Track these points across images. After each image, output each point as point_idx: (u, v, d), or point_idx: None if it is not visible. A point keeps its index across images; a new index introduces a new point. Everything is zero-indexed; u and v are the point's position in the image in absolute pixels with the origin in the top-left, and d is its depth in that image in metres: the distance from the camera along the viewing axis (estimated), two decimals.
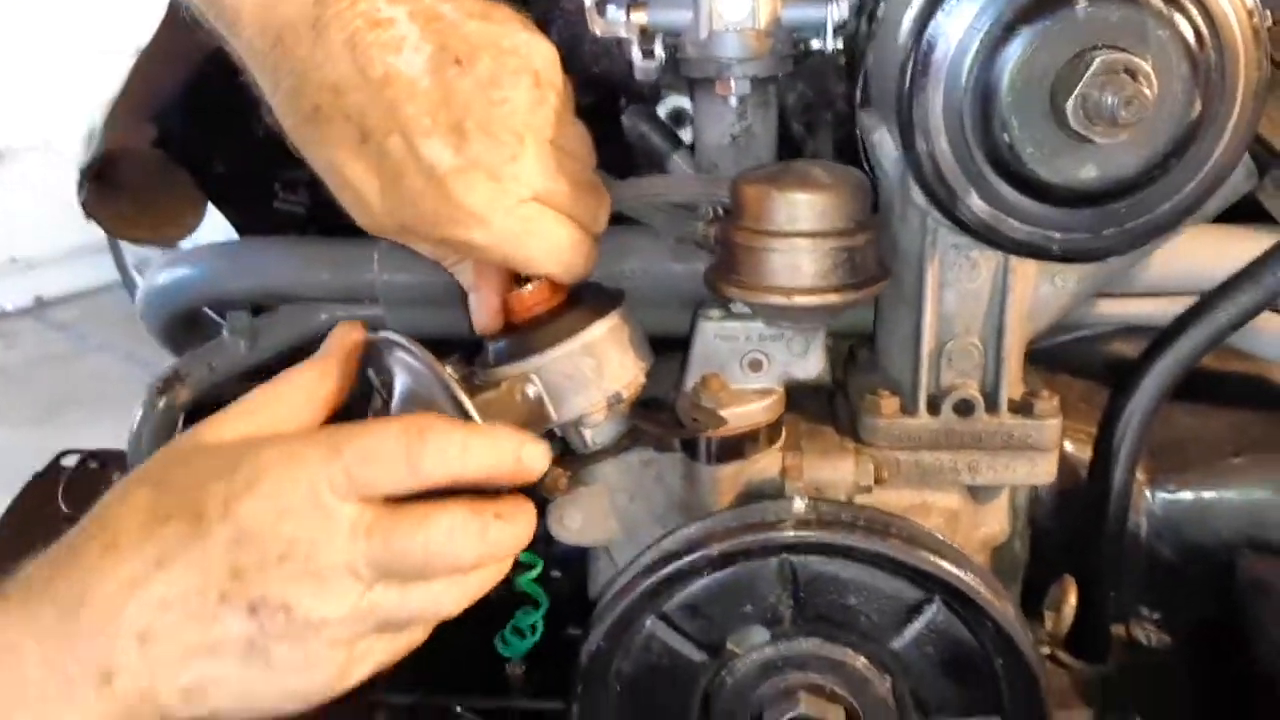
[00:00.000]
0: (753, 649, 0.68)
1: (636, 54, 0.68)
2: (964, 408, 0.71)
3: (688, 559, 0.64)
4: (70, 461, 0.89)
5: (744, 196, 0.66)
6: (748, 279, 0.66)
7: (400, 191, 0.60)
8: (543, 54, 0.62)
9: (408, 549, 0.55)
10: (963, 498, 0.74)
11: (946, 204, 0.61)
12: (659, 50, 0.68)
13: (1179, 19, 0.54)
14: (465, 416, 0.61)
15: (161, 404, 0.83)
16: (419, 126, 0.58)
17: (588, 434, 0.70)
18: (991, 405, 0.71)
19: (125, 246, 4.08)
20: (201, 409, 0.86)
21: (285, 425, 0.60)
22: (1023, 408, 0.72)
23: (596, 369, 0.67)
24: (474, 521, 0.56)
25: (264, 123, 0.64)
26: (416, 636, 0.59)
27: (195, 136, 0.87)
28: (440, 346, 0.69)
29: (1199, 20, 0.54)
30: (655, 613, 0.67)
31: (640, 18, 0.69)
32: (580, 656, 0.67)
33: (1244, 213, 0.76)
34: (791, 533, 0.63)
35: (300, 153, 0.63)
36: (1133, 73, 0.52)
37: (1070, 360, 0.89)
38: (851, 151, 0.77)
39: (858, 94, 0.75)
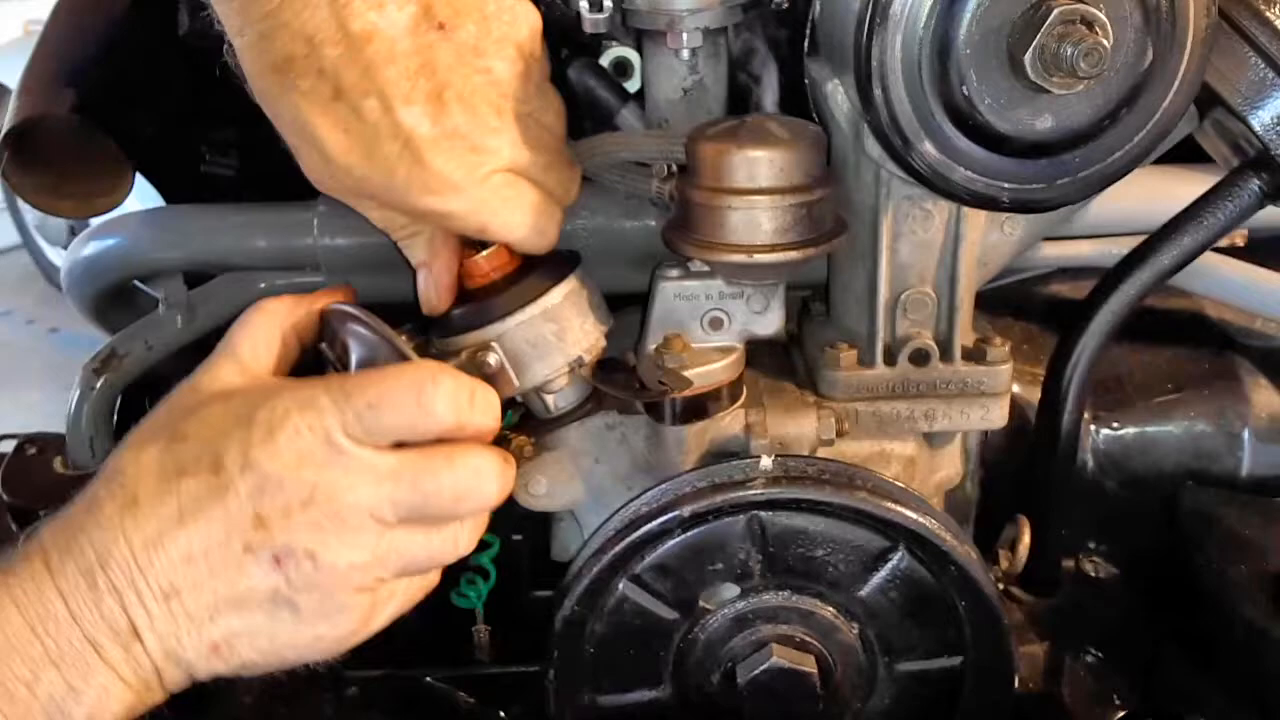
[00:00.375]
0: (724, 604, 0.68)
1: (584, 5, 0.67)
2: (920, 357, 0.72)
3: (659, 521, 0.64)
4: (5, 446, 0.85)
5: (702, 154, 0.66)
6: (707, 237, 0.66)
7: (373, 156, 0.58)
8: (528, 22, 0.61)
9: (437, 490, 0.55)
10: (919, 445, 0.75)
11: (900, 153, 0.61)
12: (607, 1, 0.67)
13: None
14: (398, 351, 0.61)
15: (99, 384, 0.80)
16: (398, 91, 0.56)
17: (550, 399, 0.69)
18: (946, 354, 0.72)
19: (25, 207, 3.90)
20: (141, 387, 0.83)
21: (265, 359, 0.61)
22: (975, 354, 0.73)
23: (558, 334, 0.67)
24: (496, 462, 0.57)
25: (225, 63, 0.62)
26: (431, 580, 0.60)
27: (116, 99, 0.83)
28: (385, 313, 0.68)
29: None
30: (627, 575, 0.67)
31: None
32: (554, 623, 0.67)
33: (1179, 153, 0.78)
34: (762, 491, 0.64)
35: (260, 101, 0.60)
36: (1089, 23, 0.53)
37: (1009, 303, 0.91)
38: (796, 100, 0.77)
39: (805, 43, 0.74)
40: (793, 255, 0.65)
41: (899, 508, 0.65)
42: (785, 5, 0.71)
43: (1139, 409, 0.83)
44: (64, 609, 0.51)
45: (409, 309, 0.73)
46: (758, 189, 0.64)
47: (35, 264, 3.90)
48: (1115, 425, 0.83)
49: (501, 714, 0.78)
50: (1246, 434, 0.81)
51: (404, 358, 0.61)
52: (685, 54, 0.69)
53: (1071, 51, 0.52)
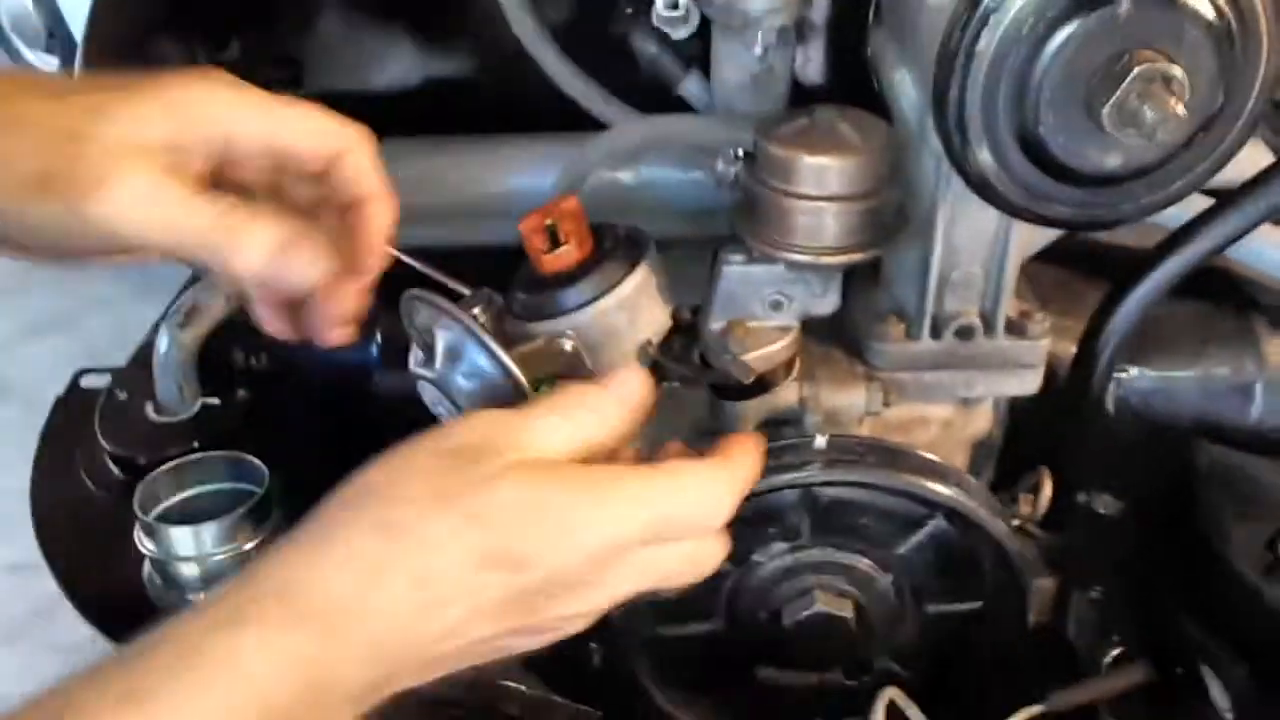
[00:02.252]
0: (774, 557, 0.76)
1: (660, 5, 0.67)
2: (965, 333, 0.76)
3: None
4: (92, 381, 0.90)
5: (771, 155, 0.67)
6: (773, 235, 0.69)
7: None
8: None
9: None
10: (956, 407, 0.81)
11: (964, 165, 0.63)
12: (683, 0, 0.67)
13: (1214, 18, 0.55)
14: (511, 377, 0.65)
15: (184, 337, 0.84)
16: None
17: None
18: (990, 328, 0.77)
19: None
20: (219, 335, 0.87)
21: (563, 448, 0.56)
22: (1016, 328, 0.77)
23: (630, 321, 0.70)
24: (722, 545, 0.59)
25: None
26: None
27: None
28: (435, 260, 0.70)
29: (1230, 16, 0.56)
30: None
31: None
32: None
33: None
34: (819, 473, 0.70)
35: None
36: (1168, 80, 0.54)
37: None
38: (841, 64, 0.78)
39: (870, 14, 0.75)
40: (857, 256, 0.68)
41: (941, 487, 0.71)
42: None
43: (1159, 359, 0.88)
44: (336, 674, 0.48)
45: (454, 257, 0.76)
46: (826, 195, 0.66)
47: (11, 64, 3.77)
48: (1136, 373, 0.88)
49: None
50: (1259, 385, 0.86)
51: (499, 362, 0.64)
52: (759, 50, 0.69)
53: (1150, 115, 0.54)
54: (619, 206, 0.85)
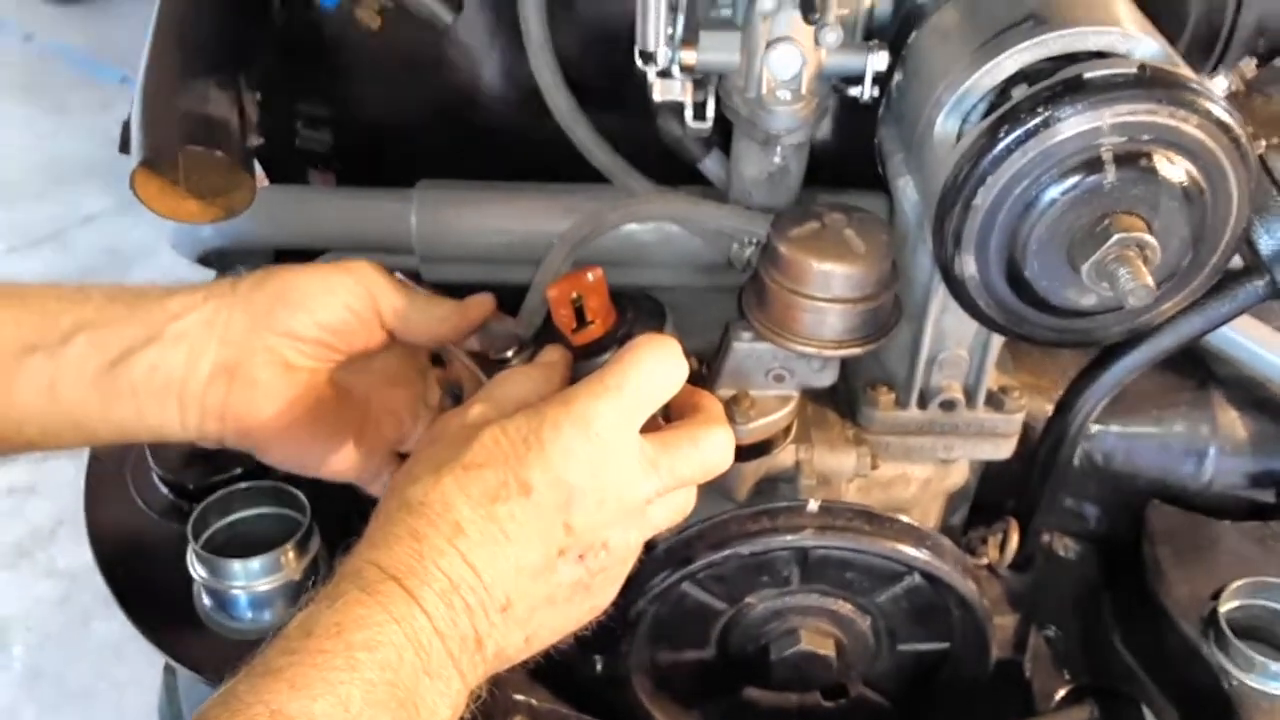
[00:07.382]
0: (765, 600, 0.84)
1: (689, 115, 0.72)
2: (949, 405, 0.84)
3: (722, 554, 0.79)
4: None
5: (781, 255, 0.74)
6: (779, 326, 0.75)
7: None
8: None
9: (691, 473, 0.65)
10: (935, 465, 0.88)
11: (953, 281, 0.69)
12: (710, 111, 0.72)
13: (1189, 187, 0.61)
14: None
15: None
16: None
17: None
18: (971, 401, 0.84)
19: None
20: None
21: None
22: (995, 402, 0.85)
23: None
24: (729, 432, 0.67)
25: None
26: None
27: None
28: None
29: (1204, 185, 0.62)
30: (690, 580, 0.82)
31: (689, 57, 0.72)
32: (627, 614, 0.83)
33: None
34: (810, 538, 0.78)
35: None
36: (1142, 247, 0.61)
37: None
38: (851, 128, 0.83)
39: (879, 109, 0.80)
40: (856, 350, 0.75)
41: (918, 552, 0.79)
42: (872, 99, 0.76)
43: (1123, 418, 0.95)
44: (430, 626, 0.56)
45: (505, 296, 0.83)
46: (831, 298, 0.73)
47: None
48: (1099, 429, 0.96)
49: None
50: (1212, 449, 0.94)
51: None
52: (778, 159, 0.75)
53: (1124, 279, 0.60)
54: (637, 257, 0.91)
